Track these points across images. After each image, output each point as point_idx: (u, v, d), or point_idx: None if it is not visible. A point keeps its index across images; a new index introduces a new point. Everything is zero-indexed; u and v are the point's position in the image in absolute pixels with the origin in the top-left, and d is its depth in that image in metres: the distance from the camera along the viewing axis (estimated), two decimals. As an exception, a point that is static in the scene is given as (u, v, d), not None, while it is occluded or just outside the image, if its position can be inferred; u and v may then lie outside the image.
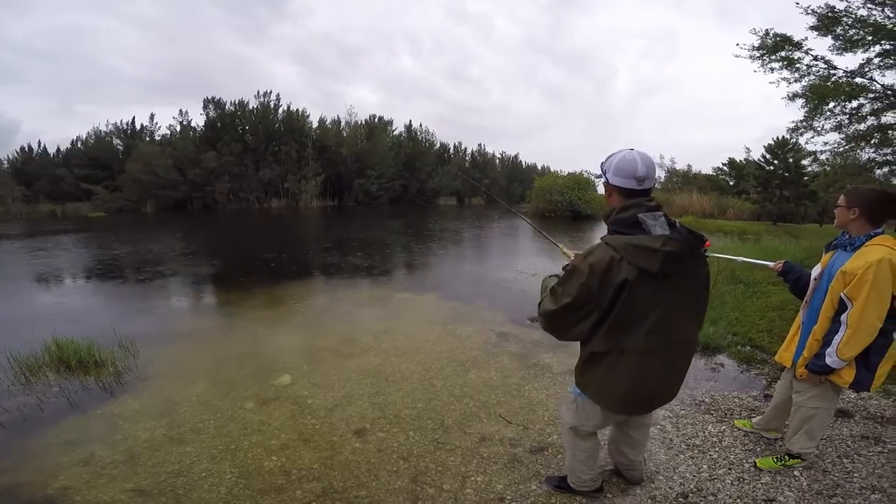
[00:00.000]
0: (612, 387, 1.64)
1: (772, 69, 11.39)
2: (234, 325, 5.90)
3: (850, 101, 11.12)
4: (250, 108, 46.06)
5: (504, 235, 19.42)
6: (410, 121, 63.75)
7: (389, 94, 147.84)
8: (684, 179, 48.71)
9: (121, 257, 11.73)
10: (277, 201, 45.52)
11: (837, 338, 2.07)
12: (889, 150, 11.26)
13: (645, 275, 1.42)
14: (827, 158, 13.41)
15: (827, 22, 10.23)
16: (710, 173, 49.93)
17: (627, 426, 2.02)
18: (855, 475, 2.38)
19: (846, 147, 11.83)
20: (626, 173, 1.52)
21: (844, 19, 10.03)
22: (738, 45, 11.63)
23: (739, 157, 45.85)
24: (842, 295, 2.05)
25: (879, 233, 2.07)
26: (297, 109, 49.72)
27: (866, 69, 10.48)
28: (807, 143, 12.83)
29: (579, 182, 33.95)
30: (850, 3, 9.80)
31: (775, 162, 34.60)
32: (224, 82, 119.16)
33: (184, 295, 7.91)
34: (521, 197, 54.65)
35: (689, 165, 51.33)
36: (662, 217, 1.50)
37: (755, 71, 11.70)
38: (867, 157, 11.77)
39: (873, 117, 11.18)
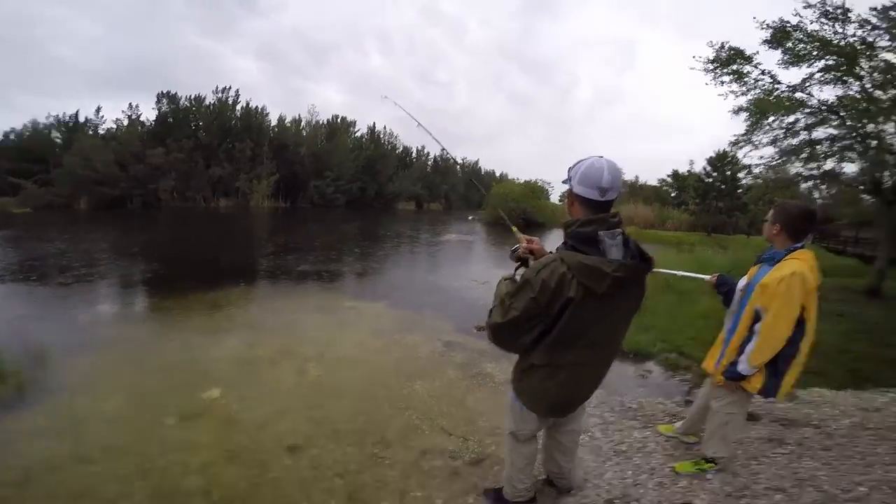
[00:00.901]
0: (545, 394, 1.71)
1: (722, 82, 12.11)
2: (163, 334, 5.57)
3: (787, 116, 12.00)
4: (207, 103, 44.07)
5: (459, 243, 19.57)
6: (374, 123, 63.30)
7: (355, 95, 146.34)
8: (631, 190, 51.31)
9: (42, 257, 10.78)
10: (226, 201, 43.65)
11: (749, 346, 2.23)
12: (814, 165, 12.21)
13: (590, 295, 1.45)
14: (760, 172, 14.39)
15: (779, 36, 11.00)
16: (656, 185, 52.98)
17: (557, 432, 2.08)
18: (761, 476, 2.57)
19: (778, 161, 12.69)
20: (590, 182, 1.50)
21: (796, 34, 10.82)
22: (694, 57, 12.26)
23: (683, 168, 49.00)
24: (757, 307, 2.22)
25: (799, 247, 2.20)
26: (257, 106, 48.19)
27: (807, 84, 11.36)
28: (744, 156, 13.67)
29: (534, 190, 34.97)
30: (803, 17, 10.59)
31: (714, 174, 37.09)
32: (183, 77, 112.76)
33: (110, 300, 7.39)
34: (479, 204, 55.50)
35: (636, 176, 54.18)
36: (620, 236, 1.51)
37: (707, 84, 12.37)
38: (795, 171, 12.68)
39: (806, 132, 12.11)
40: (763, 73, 11.86)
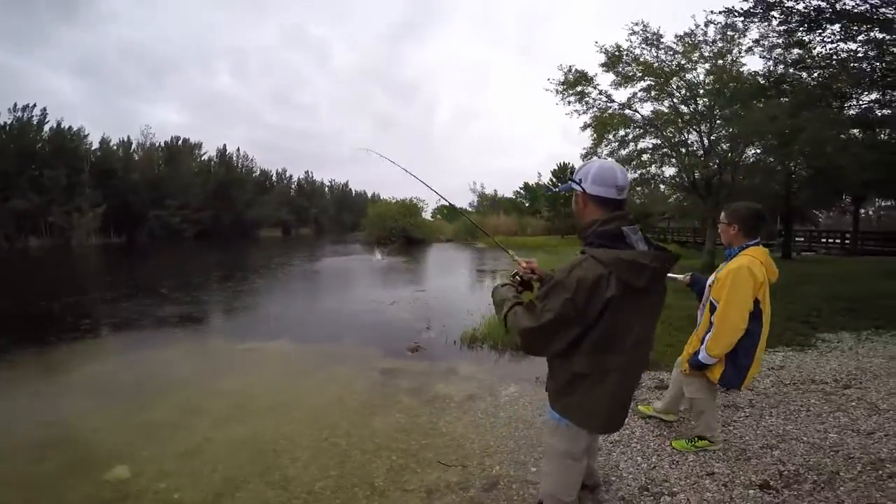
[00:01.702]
0: (595, 407, 1.55)
1: (569, 102, 13.80)
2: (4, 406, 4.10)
3: (619, 131, 14.17)
4: (0, 123, 34.98)
5: (337, 266, 18.71)
6: (224, 145, 57.12)
7: (199, 116, 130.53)
8: (493, 203, 55.64)
9: None
10: (37, 240, 35.15)
11: (707, 336, 2.40)
12: (644, 171, 14.64)
13: (629, 291, 1.38)
14: None
15: (613, 59, 12.90)
16: (511, 196, 58.38)
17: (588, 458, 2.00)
18: (748, 438, 2.82)
19: None
20: (607, 182, 1.47)
21: (625, 57, 12.80)
22: (548, 79, 13.76)
23: (531, 181, 54.85)
24: (711, 299, 2.41)
25: (753, 244, 2.38)
26: (70, 127, 39.81)
27: (632, 102, 13.56)
28: (591, 168, 15.82)
29: (410, 209, 35.47)
30: (632, 42, 12.56)
31: (559, 184, 42.32)
32: None
33: None
34: (354, 226, 54.02)
35: (495, 190, 58.90)
36: (639, 231, 1.50)
37: (557, 104, 13.98)
38: (630, 177, 15.05)
39: (633, 143, 14.44)
40: (600, 93, 14.01)
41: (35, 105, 37.70)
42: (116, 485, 2.65)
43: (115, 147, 44.62)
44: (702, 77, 12.73)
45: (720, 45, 12.13)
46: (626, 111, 13.93)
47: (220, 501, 2.50)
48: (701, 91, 12.79)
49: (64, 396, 4.35)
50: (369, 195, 77.31)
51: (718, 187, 13.05)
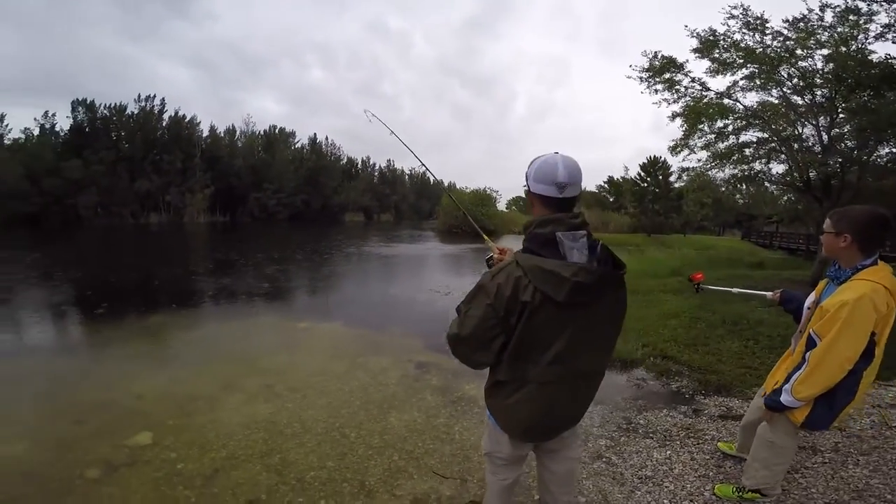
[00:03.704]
0: (515, 414, 1.49)
1: (656, 90, 12.62)
2: (82, 368, 4.66)
3: (717, 122, 12.67)
4: (129, 112, 40.63)
5: (412, 253, 19.05)
6: (315, 134, 61.20)
7: (296, 106, 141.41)
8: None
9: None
10: (157, 216, 40.38)
11: (795, 374, 1.88)
12: (746, 167, 12.97)
13: (550, 302, 1.28)
14: (688, 175, 15.16)
15: (707, 45, 11.58)
16: (593, 190, 55.40)
17: (546, 458, 1.76)
18: (813, 491, 2.28)
19: (712, 164, 13.40)
20: (545, 178, 1.35)
21: (721, 42, 11.43)
22: (630, 66, 12.69)
23: (617, 174, 51.62)
24: (811, 331, 1.86)
25: (869, 264, 1.81)
26: (185, 116, 45.01)
27: (732, 91, 12.05)
28: (683, 160, 14.35)
29: (482, 198, 35.28)
30: (729, 26, 11.18)
31: (648, 179, 39.31)
32: (102, 84, 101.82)
33: (18, 329, 6.19)
34: (431, 213, 55.24)
35: (576, 184, 56.26)
36: (584, 238, 1.34)
37: (642, 92, 12.85)
38: (730, 173, 13.40)
39: (734, 136, 12.85)
40: (693, 80, 12.56)
41: (155, 96, 43.08)
42: (134, 450, 2.85)
43: (221, 134, 49.55)
44: (819, 65, 10.86)
45: (840, 29, 10.24)
46: (726, 100, 12.39)
47: (216, 476, 2.58)
48: (818, 80, 10.93)
49: (124, 362, 4.82)
50: (446, 184, 78.28)
51: (840, 189, 11.13)
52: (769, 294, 2.39)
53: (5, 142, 36.72)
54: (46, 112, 38.07)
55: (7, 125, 37.93)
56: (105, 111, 39.64)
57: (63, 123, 39.34)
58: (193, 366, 4.67)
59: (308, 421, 3.33)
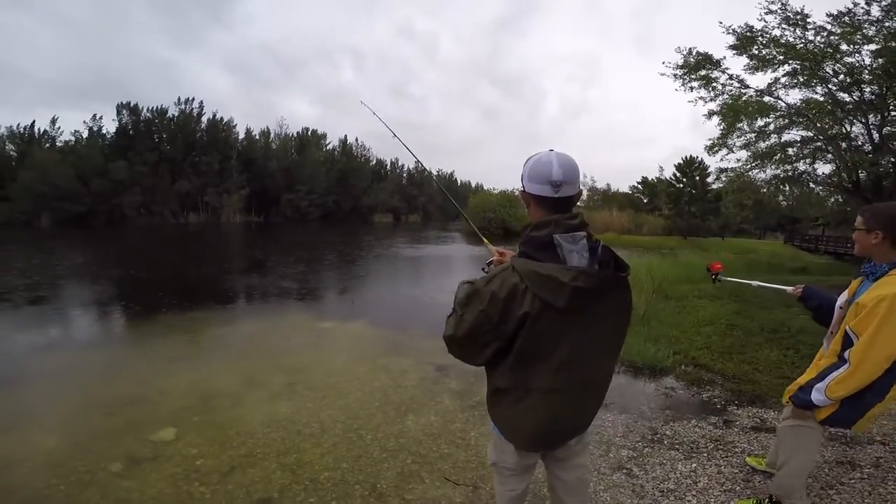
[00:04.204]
0: (518, 423, 1.44)
1: (691, 88, 12.15)
2: (112, 362, 4.88)
3: (758, 120, 12.08)
4: (170, 115, 42.50)
5: (438, 254, 19.07)
6: (346, 135, 62.36)
7: (326, 108, 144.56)
8: (604, 197, 52.06)
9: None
10: (196, 216, 42.03)
11: (835, 374, 1.76)
12: (789, 167, 12.31)
13: (550, 309, 1.23)
14: (727, 176, 14.49)
15: (745, 41, 11.07)
16: (627, 191, 53.94)
17: (555, 467, 1.70)
18: None
19: (753, 164, 12.79)
20: (539, 178, 1.30)
21: (760, 39, 10.90)
22: (664, 62, 12.27)
23: (651, 175, 50.06)
24: (847, 328, 1.76)
25: None
26: (222, 119, 46.72)
27: (773, 88, 11.46)
28: (721, 160, 13.75)
29: (510, 200, 34.95)
30: (767, 22, 10.66)
31: (684, 180, 37.97)
32: (145, 87, 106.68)
33: (60, 324, 6.57)
34: (457, 215, 55.37)
35: (608, 184, 54.89)
36: (584, 240, 1.29)
37: (676, 90, 12.42)
38: (772, 174, 12.76)
39: (776, 135, 12.22)
40: (731, 77, 12.00)
41: (194, 99, 44.95)
42: (157, 445, 2.94)
43: (256, 137, 51.15)
44: (867, 60, 10.17)
45: (889, 24, 9.55)
46: (767, 98, 11.78)
47: (233, 473, 2.62)
48: (866, 76, 10.23)
49: (158, 357, 4.99)
50: (473, 185, 78.15)
51: (893, 190, 10.42)
52: (790, 289, 2.27)
53: (57, 144, 39.10)
54: (94, 115, 40.54)
55: (59, 128, 40.48)
56: (148, 114, 41.63)
57: (109, 126, 41.59)
58: (221, 362, 4.81)
59: (326, 421, 3.35)
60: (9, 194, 31.93)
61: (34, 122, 39.78)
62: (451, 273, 13.50)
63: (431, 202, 71.64)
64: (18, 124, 39.45)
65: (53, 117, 43.47)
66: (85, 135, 39.32)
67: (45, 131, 39.92)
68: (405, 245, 23.03)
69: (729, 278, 3.08)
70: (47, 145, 38.42)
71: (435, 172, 75.26)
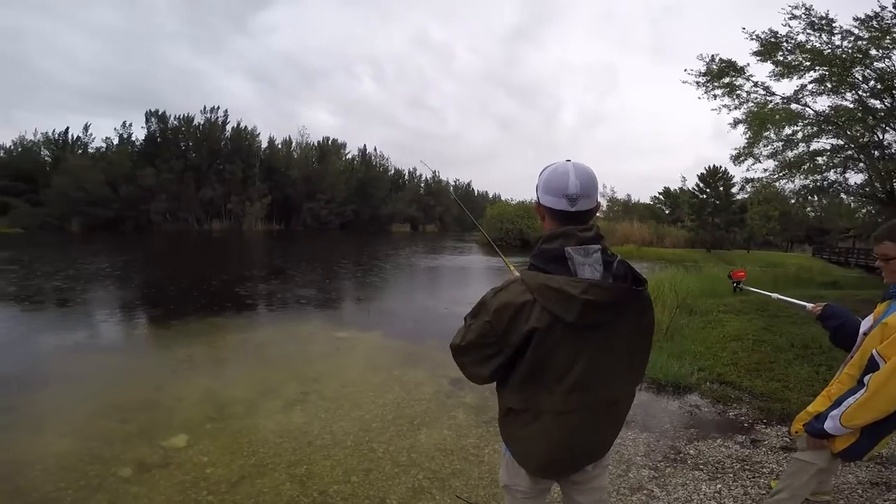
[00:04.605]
0: (530, 447, 1.37)
1: (715, 95, 11.88)
2: (131, 366, 4.97)
3: (785, 128, 11.72)
4: (196, 123, 43.76)
5: (455, 265, 19.01)
6: (365, 145, 63.23)
7: (348, 118, 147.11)
8: (625, 209, 51.29)
9: (17, 280, 10.05)
10: (219, 223, 42.97)
11: (850, 400, 1.64)
12: (819, 177, 11.89)
13: (560, 323, 1.16)
14: (752, 186, 14.06)
15: (769, 47, 10.79)
16: (648, 202, 53.05)
17: (572, 491, 1.60)
18: None
19: (780, 174, 12.42)
20: (555, 190, 1.23)
21: (784, 44, 10.63)
22: (685, 70, 12.06)
23: (673, 186, 49.12)
24: (874, 351, 1.63)
25: None
26: (246, 127, 47.85)
27: (800, 95, 11.13)
28: (747, 170, 13.39)
29: (528, 210, 34.71)
30: (791, 27, 10.39)
31: (707, 191, 37.13)
32: (172, 95, 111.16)
33: (81, 328, 6.72)
34: (474, 225, 55.30)
35: (628, 195, 54.11)
36: (598, 252, 1.22)
37: (699, 98, 12.19)
38: (801, 184, 12.37)
39: (804, 144, 11.84)
40: (756, 84, 11.70)
41: (219, 107, 46.04)
42: (169, 451, 2.95)
43: (279, 146, 52.21)
44: None
45: None
46: (794, 105, 11.44)
47: (242, 483, 2.61)
48: None
49: (175, 363, 5.04)
50: (490, 196, 78.10)
51: (930, 200, 9.99)
52: (809, 305, 2.14)
53: (89, 150, 40.60)
54: (124, 122, 42.04)
55: (91, 134, 42.05)
56: (175, 121, 42.89)
57: (138, 133, 42.97)
58: (237, 369, 4.85)
59: (339, 433, 3.31)
60: (43, 199, 33.21)
61: (68, 128, 41.44)
62: (468, 284, 13.42)
63: (448, 212, 71.74)
64: (53, 130, 41.13)
65: (86, 124, 45.21)
66: (115, 141, 40.74)
67: (78, 137, 41.58)
68: (422, 255, 23.05)
69: (750, 288, 2.99)
70: (80, 151, 39.90)
71: (452, 182, 75.51)
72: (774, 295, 2.67)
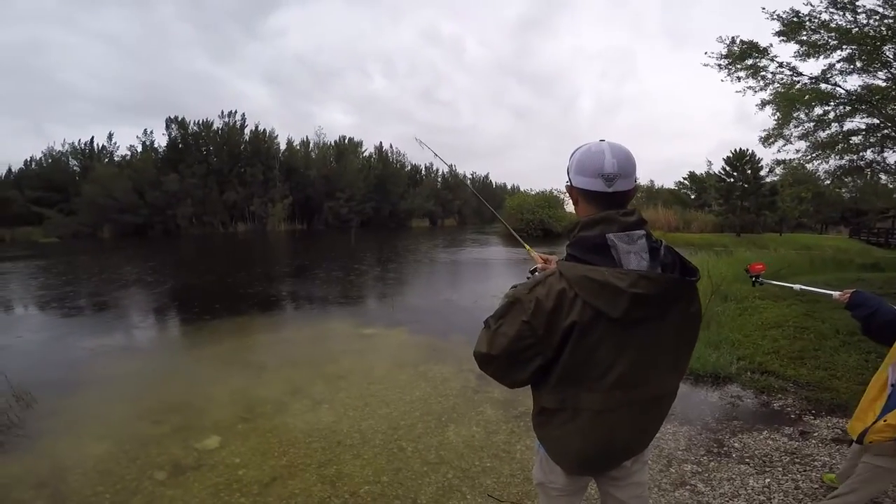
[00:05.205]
0: (567, 446, 1.29)
1: (738, 78, 11.41)
2: (163, 369, 5.06)
3: (815, 109, 11.21)
4: (215, 128, 44.62)
5: (477, 257, 18.90)
6: (381, 142, 63.57)
7: (362, 116, 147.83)
8: (648, 194, 50.08)
9: (55, 286, 10.45)
10: (243, 225, 43.82)
11: None
12: (855, 157, 11.35)
13: (602, 318, 1.07)
14: (783, 168, 13.55)
15: (792, 27, 10.29)
16: (672, 187, 51.65)
17: (610, 486, 1.52)
18: None
19: (813, 155, 11.91)
20: (589, 170, 1.13)
21: (808, 24, 10.11)
22: (706, 53, 11.61)
23: (698, 170, 47.70)
24: None
25: None
26: (264, 130, 48.46)
27: (829, 75, 10.58)
28: (778, 151, 12.86)
29: (549, 200, 34.28)
30: (813, 6, 9.87)
31: (735, 174, 35.86)
32: (190, 101, 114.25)
33: (116, 331, 6.91)
34: (493, 217, 55.01)
35: (651, 181, 52.80)
36: (643, 239, 1.12)
37: (722, 80, 11.73)
38: (836, 164, 11.83)
39: (837, 124, 11.30)
40: (781, 65, 11.15)
41: (237, 111, 46.68)
42: (202, 453, 2.97)
43: (297, 147, 52.77)
44: None
45: None
46: (823, 85, 10.87)
47: (273, 484, 2.60)
48: None
49: (207, 365, 5.16)
50: (509, 187, 77.43)
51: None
52: (836, 294, 1.97)
53: (115, 158, 41.90)
54: (146, 129, 43.12)
55: (115, 142, 43.31)
56: (195, 127, 43.70)
57: (160, 140, 44.06)
58: (265, 368, 4.88)
59: (367, 431, 3.28)
60: (74, 207, 34.49)
61: (93, 137, 42.65)
62: (490, 277, 13.30)
63: (467, 206, 71.40)
64: (79, 140, 42.49)
65: (110, 133, 46.46)
66: (139, 149, 41.85)
67: (104, 146, 42.84)
68: (443, 249, 23.00)
69: (770, 281, 2.79)
70: (106, 160, 41.12)
71: (469, 175, 75.08)
72: (797, 286, 2.50)
